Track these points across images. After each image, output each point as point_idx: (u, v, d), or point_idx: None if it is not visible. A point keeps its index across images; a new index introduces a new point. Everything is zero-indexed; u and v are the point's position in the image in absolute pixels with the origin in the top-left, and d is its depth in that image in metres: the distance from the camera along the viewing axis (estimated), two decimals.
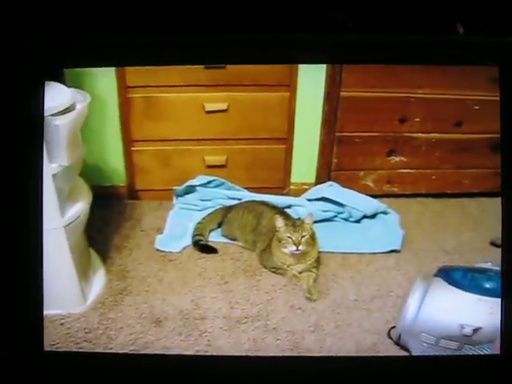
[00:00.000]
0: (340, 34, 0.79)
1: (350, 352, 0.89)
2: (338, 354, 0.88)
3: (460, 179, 1.38)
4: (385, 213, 1.28)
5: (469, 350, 0.78)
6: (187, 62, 0.88)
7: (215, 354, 0.88)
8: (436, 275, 0.88)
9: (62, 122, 0.86)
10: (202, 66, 1.13)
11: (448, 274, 0.86)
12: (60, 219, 0.90)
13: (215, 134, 1.23)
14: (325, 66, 1.19)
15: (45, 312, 0.89)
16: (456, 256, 1.13)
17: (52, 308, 0.92)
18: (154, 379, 0.75)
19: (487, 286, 0.79)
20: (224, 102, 1.19)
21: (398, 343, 0.89)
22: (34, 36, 0.75)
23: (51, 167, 0.86)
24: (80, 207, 0.96)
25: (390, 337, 0.91)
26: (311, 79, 1.20)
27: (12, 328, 0.73)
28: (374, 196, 1.32)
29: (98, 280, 1.03)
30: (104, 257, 1.09)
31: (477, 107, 1.29)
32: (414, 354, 0.85)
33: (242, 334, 0.92)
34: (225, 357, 0.87)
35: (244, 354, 0.88)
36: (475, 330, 0.78)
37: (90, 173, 1.18)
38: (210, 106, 1.19)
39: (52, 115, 0.84)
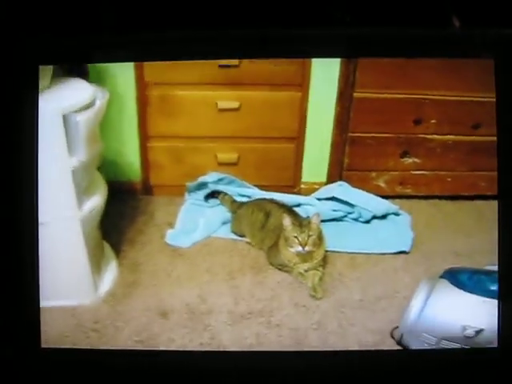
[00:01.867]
0: (337, 28, 0.79)
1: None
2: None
3: (475, 181, 1.36)
4: (396, 214, 1.27)
5: None
6: (189, 56, 0.90)
7: (218, 347, 0.90)
8: (441, 276, 0.88)
9: (82, 118, 0.89)
10: (216, 65, 1.15)
11: (453, 276, 0.86)
12: (77, 211, 0.94)
13: (227, 131, 1.24)
14: (338, 65, 1.19)
15: (57, 302, 0.95)
16: (466, 258, 1.11)
17: (64, 298, 0.96)
18: (152, 375, 0.77)
19: (492, 288, 0.78)
20: (236, 100, 1.20)
21: (400, 343, 0.88)
22: (31, 35, 0.77)
23: (71, 161, 0.90)
24: (96, 201, 0.99)
25: (392, 336, 0.90)
26: (324, 79, 1.20)
27: (9, 326, 0.76)
28: (386, 197, 1.31)
29: (110, 272, 1.06)
30: (117, 250, 1.13)
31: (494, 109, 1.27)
32: None
33: (245, 329, 0.94)
34: (227, 352, 0.88)
35: (247, 350, 0.90)
36: (477, 332, 0.78)
37: (107, 168, 1.22)
38: (222, 104, 1.21)
39: (74, 111, 0.88)
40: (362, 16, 0.82)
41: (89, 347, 0.89)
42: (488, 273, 0.82)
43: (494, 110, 1.31)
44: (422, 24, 0.81)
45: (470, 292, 0.81)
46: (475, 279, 0.83)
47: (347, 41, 0.75)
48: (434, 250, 1.16)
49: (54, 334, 0.88)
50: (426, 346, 0.84)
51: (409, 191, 1.37)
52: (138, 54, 0.81)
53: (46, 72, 0.91)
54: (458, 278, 0.84)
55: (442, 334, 0.81)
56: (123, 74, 1.17)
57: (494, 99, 1.27)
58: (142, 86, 1.19)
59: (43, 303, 0.83)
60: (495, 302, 0.76)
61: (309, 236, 1.05)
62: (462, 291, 0.82)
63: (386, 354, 0.82)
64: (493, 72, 0.76)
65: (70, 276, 0.97)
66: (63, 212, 0.92)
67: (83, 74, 1.01)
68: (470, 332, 0.78)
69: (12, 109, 0.75)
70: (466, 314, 0.80)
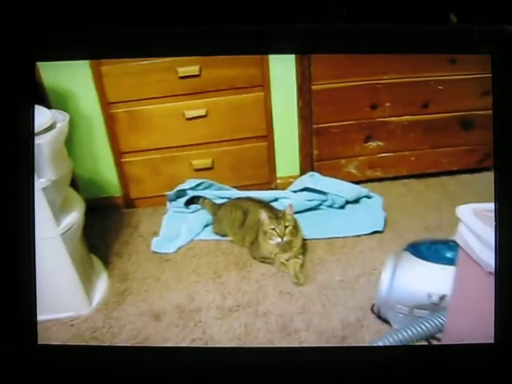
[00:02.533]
0: (333, 23, 0.81)
1: (335, 328, 0.94)
2: (325, 334, 0.93)
3: (438, 158, 1.43)
4: (368, 197, 1.33)
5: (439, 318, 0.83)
6: (180, 53, 0.90)
7: (209, 340, 0.95)
8: (405, 249, 0.94)
9: (44, 140, 0.95)
10: (177, 76, 1.21)
11: (415, 247, 0.92)
12: (56, 228, 0.99)
13: (198, 138, 1.29)
14: (294, 62, 1.26)
15: (55, 316, 1.00)
16: (437, 232, 1.18)
17: (60, 311, 1.01)
18: (149, 371, 0.79)
19: (449, 255, 0.84)
20: (202, 108, 1.25)
21: (379, 317, 0.94)
22: (28, 31, 0.75)
23: (40, 182, 0.95)
24: (74, 216, 1.04)
25: (373, 312, 0.96)
26: (282, 77, 1.26)
27: (5, 322, 0.77)
28: (358, 182, 1.38)
29: (102, 283, 1.11)
30: (106, 262, 1.18)
31: (440, 87, 1.34)
32: (393, 325, 0.90)
33: (233, 321, 0.99)
34: (219, 348, 0.92)
35: (238, 346, 0.94)
36: (441, 298, 0.84)
37: (87, 186, 1.28)
38: (189, 113, 1.26)
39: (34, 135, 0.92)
40: (359, 12, 0.82)
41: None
42: (445, 242, 0.88)
43: (439, 88, 1.41)
44: (420, 20, 0.83)
45: (430, 261, 0.87)
46: (433, 249, 0.89)
47: (343, 36, 0.75)
48: (406, 227, 1.23)
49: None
50: (400, 316, 0.90)
51: (379, 174, 1.44)
52: (136, 50, 0.80)
53: None
54: (419, 249, 0.91)
55: (411, 302, 0.87)
56: (85, 96, 1.22)
57: (438, 77, 1.37)
58: (106, 105, 1.24)
59: (40, 317, 0.86)
60: (452, 268, 0.81)
61: (285, 227, 1.11)
62: (423, 261, 0.88)
63: (380, 349, 0.84)
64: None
65: (62, 290, 1.02)
66: (43, 230, 0.95)
67: (42, 101, 1.06)
68: (435, 298, 0.84)
69: (7, 107, 0.76)
70: (429, 282, 0.86)
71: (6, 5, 0.80)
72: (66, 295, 1.03)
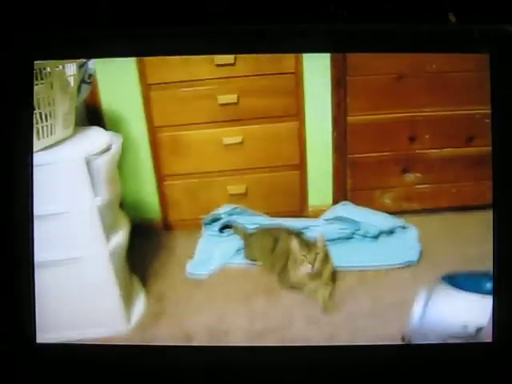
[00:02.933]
0: (333, 23, 0.83)
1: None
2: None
3: (481, 191, 1.37)
4: (403, 228, 1.30)
5: None
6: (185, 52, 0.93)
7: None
8: (440, 280, 0.91)
9: (102, 160, 1.03)
10: (217, 104, 1.28)
11: (451, 278, 0.90)
12: (106, 246, 1.04)
13: (234, 165, 1.34)
14: (330, 94, 1.30)
15: (94, 332, 1.01)
16: (475, 265, 1.11)
17: (101, 328, 1.03)
18: (149, 371, 0.81)
19: (488, 285, 0.80)
20: (239, 135, 1.31)
21: None
22: (27, 30, 0.79)
23: (96, 200, 1.02)
24: (121, 235, 1.10)
25: (403, 341, 0.92)
26: (318, 107, 1.30)
27: (4, 321, 0.79)
28: (393, 213, 1.34)
29: (140, 303, 1.15)
30: (144, 282, 1.21)
31: (487, 121, 1.32)
32: None
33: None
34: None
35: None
36: (478, 329, 0.79)
37: (129, 208, 1.34)
38: (227, 140, 1.31)
39: (94, 155, 1.02)
40: (358, 11, 0.84)
41: None
42: (484, 273, 0.85)
43: (486, 121, 1.38)
44: (419, 19, 0.84)
45: (467, 291, 0.84)
46: (472, 279, 0.86)
47: (342, 36, 0.78)
48: (443, 259, 1.18)
49: None
50: None
51: (415, 206, 1.40)
52: (134, 49, 0.83)
53: (69, 123, 1.06)
54: (456, 279, 0.88)
55: (445, 333, 0.84)
56: (135, 120, 1.30)
57: (484, 111, 1.35)
58: (152, 129, 1.32)
59: (81, 334, 0.91)
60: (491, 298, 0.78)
61: (316, 254, 1.11)
62: (460, 291, 0.85)
63: (379, 348, 0.83)
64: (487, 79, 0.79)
65: (105, 307, 1.06)
66: (93, 247, 1.03)
67: (99, 123, 1.16)
68: (471, 330, 0.80)
69: (6, 107, 0.78)
70: (465, 313, 0.83)
71: (5, 4, 0.82)
72: (107, 313, 1.06)
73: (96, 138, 1.08)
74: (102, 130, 1.11)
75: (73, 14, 0.85)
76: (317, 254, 1.11)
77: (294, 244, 1.13)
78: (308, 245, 1.13)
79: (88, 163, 1.00)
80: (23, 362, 0.80)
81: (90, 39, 0.79)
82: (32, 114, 0.84)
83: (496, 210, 0.77)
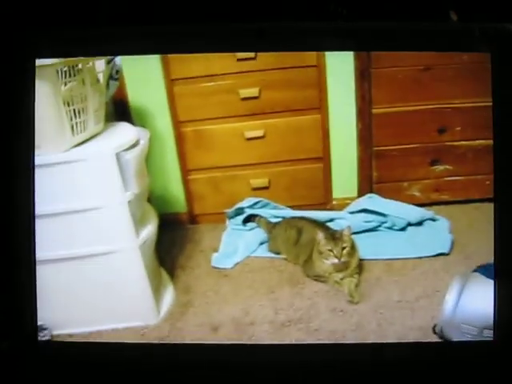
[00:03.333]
0: (333, 21, 0.82)
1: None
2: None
3: None
4: (433, 219, 1.27)
5: None
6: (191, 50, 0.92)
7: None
8: (474, 271, 0.88)
9: (131, 155, 1.03)
10: (239, 98, 1.29)
11: (486, 269, 0.85)
12: (136, 239, 1.05)
13: (257, 158, 1.35)
14: (353, 85, 1.28)
15: (126, 324, 1.03)
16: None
17: (132, 321, 1.05)
18: (147, 369, 0.80)
19: None
20: (261, 129, 1.32)
21: (442, 337, 0.86)
22: (28, 28, 0.79)
23: (126, 195, 1.03)
24: (150, 229, 1.11)
25: (434, 332, 0.89)
26: (341, 100, 1.29)
27: (5, 320, 0.79)
28: (422, 205, 1.32)
29: (168, 295, 1.16)
30: (171, 275, 1.23)
31: None
32: None
33: (285, 336, 0.98)
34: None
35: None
36: None
37: (157, 202, 1.36)
38: (249, 134, 1.32)
39: (124, 150, 1.02)
40: (358, 10, 0.83)
41: None
42: None
43: None
44: (420, 18, 0.83)
45: None
46: None
47: (343, 34, 0.77)
48: (476, 250, 1.13)
49: None
50: (468, 337, 0.81)
51: (446, 197, 1.36)
52: (134, 47, 0.82)
53: (100, 118, 1.09)
54: (491, 270, 0.83)
55: (481, 323, 0.79)
56: (161, 115, 1.33)
57: None
58: (177, 124, 1.34)
59: (114, 326, 0.91)
60: None
61: (343, 248, 1.09)
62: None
63: (380, 347, 0.81)
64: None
65: (135, 299, 1.06)
66: (124, 241, 1.03)
67: (127, 118, 1.19)
68: None
69: (8, 105, 0.78)
70: None
71: (5, 3, 0.82)
72: (137, 305, 1.07)
73: (125, 133, 1.10)
74: (130, 125, 1.13)
75: (73, 11, 0.86)
76: (343, 248, 1.08)
77: (320, 236, 1.11)
78: (334, 237, 1.10)
79: (118, 158, 1.01)
80: (24, 360, 0.80)
81: (90, 37, 0.80)
82: (33, 111, 0.83)
83: (498, 204, 0.74)
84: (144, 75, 1.27)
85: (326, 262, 1.09)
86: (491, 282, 0.83)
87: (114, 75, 1.11)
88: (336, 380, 0.77)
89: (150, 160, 1.29)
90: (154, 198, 1.36)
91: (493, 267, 0.87)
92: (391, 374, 0.73)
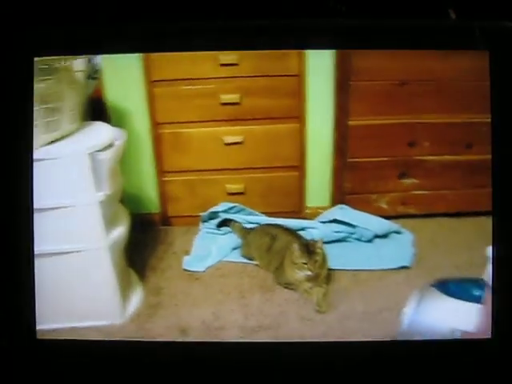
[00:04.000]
0: (331, 18, 0.81)
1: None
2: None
3: (477, 198, 1.39)
4: (398, 232, 1.33)
5: None
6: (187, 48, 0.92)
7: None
8: (431, 285, 0.94)
9: (106, 156, 1.03)
10: (219, 103, 1.29)
11: (442, 284, 0.92)
12: (106, 240, 1.06)
13: (234, 164, 1.36)
14: (332, 97, 1.31)
15: (90, 323, 1.04)
16: (467, 271, 1.14)
17: (97, 319, 1.06)
18: (147, 365, 0.82)
19: (476, 293, 0.83)
20: (240, 134, 1.33)
21: None
22: (26, 27, 0.78)
23: (98, 195, 1.03)
24: (121, 230, 1.12)
25: None
26: (320, 110, 1.32)
27: (4, 317, 0.80)
28: (389, 217, 1.37)
29: (136, 296, 1.17)
30: (141, 276, 1.23)
31: (485, 129, 1.33)
32: None
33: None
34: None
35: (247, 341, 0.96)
36: (464, 335, 0.81)
37: (130, 202, 1.36)
38: (227, 139, 1.33)
39: (98, 151, 1.02)
40: (358, 7, 0.83)
41: None
42: (473, 280, 0.87)
43: (484, 130, 1.40)
44: (419, 16, 0.83)
45: (457, 298, 0.87)
46: (461, 286, 0.88)
47: (342, 32, 0.78)
48: (436, 264, 1.21)
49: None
50: None
51: (411, 211, 1.43)
52: (134, 45, 0.83)
53: (75, 118, 1.07)
54: (446, 285, 0.90)
55: (433, 337, 0.85)
56: (139, 116, 1.32)
57: (483, 119, 1.36)
58: (155, 126, 1.33)
59: (78, 324, 0.92)
60: (478, 306, 0.80)
61: (315, 261, 1.13)
62: (449, 297, 0.88)
63: (378, 344, 0.84)
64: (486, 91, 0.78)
65: (101, 298, 1.08)
66: (94, 241, 1.04)
67: (105, 118, 1.17)
68: (457, 334, 0.82)
69: (6, 103, 0.78)
70: (453, 318, 0.85)
71: (5, 3, 0.82)
72: (103, 304, 1.08)
73: (100, 133, 1.09)
74: (106, 125, 1.12)
75: (72, 10, 0.85)
76: (316, 261, 1.13)
77: (295, 248, 1.14)
78: (308, 250, 1.14)
79: (92, 159, 1.01)
80: (23, 357, 0.81)
81: (90, 36, 0.80)
82: (32, 109, 0.84)
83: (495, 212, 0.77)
84: (124, 75, 1.25)
85: (299, 273, 1.13)
86: (445, 298, 0.90)
87: (93, 74, 1.09)
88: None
89: (125, 159, 1.27)
90: (126, 198, 1.35)
91: (448, 283, 0.94)
92: (388, 370, 0.77)
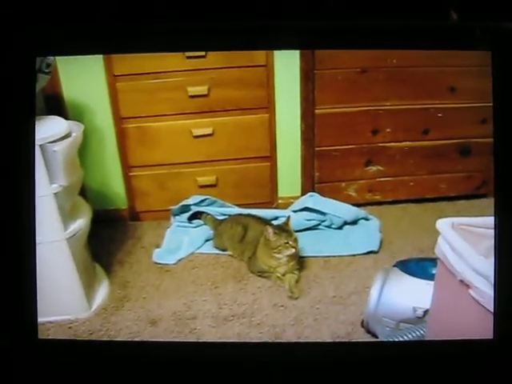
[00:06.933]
0: (333, 19, 0.81)
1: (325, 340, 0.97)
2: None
3: (436, 184, 1.47)
4: (366, 219, 1.37)
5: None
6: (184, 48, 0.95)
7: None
8: (394, 266, 0.98)
9: (59, 147, 1.00)
10: (187, 95, 1.28)
11: (403, 264, 0.96)
12: (63, 232, 1.04)
13: (204, 156, 1.36)
14: (298, 86, 1.32)
15: (54, 318, 1.04)
16: (430, 253, 1.19)
17: (60, 314, 1.05)
18: (143, 365, 0.81)
19: (433, 271, 0.86)
20: (209, 126, 1.33)
21: (368, 331, 0.97)
22: (28, 26, 0.77)
23: (52, 187, 1.01)
24: (81, 222, 1.09)
25: (362, 326, 0.99)
26: (287, 100, 1.33)
27: (6, 317, 0.79)
28: (358, 204, 1.42)
29: (102, 290, 1.16)
30: (108, 270, 1.22)
31: (440, 115, 1.39)
32: (380, 338, 0.92)
33: (228, 330, 1.02)
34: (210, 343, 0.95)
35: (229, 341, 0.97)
36: (425, 312, 0.86)
37: (95, 197, 1.35)
38: (196, 132, 1.33)
39: (50, 142, 0.99)
40: (358, 7, 0.83)
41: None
42: (432, 259, 0.90)
43: (439, 115, 1.45)
44: (421, 16, 0.83)
45: (417, 276, 0.91)
46: (420, 265, 0.92)
47: (345, 31, 0.77)
48: (401, 248, 1.26)
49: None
50: (387, 330, 0.92)
51: (378, 198, 1.48)
52: (134, 45, 0.82)
53: None
54: (407, 265, 0.94)
55: (398, 316, 0.90)
56: (101, 110, 1.30)
57: (438, 105, 1.41)
58: (119, 120, 1.31)
59: (41, 319, 0.87)
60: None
61: (295, 239, 1.15)
62: (410, 276, 0.92)
63: (379, 345, 0.87)
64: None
65: (63, 292, 1.06)
66: (51, 233, 1.02)
67: (60, 112, 1.14)
68: (419, 313, 0.87)
69: (8, 102, 0.77)
70: (414, 297, 0.89)
71: (5, 3, 0.81)
72: (66, 298, 1.07)
73: (53, 126, 1.06)
74: (60, 118, 1.09)
75: (72, 10, 0.83)
76: (295, 238, 1.15)
77: (270, 232, 1.15)
78: (284, 230, 1.15)
79: (44, 150, 0.98)
80: (24, 357, 0.80)
81: (91, 35, 0.79)
82: (34, 108, 0.82)
83: (497, 200, 0.78)
84: (83, 70, 1.22)
85: (280, 256, 1.14)
86: (406, 276, 0.94)
87: (44, 69, 1.05)
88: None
89: (87, 155, 1.28)
90: (91, 193, 1.34)
91: (409, 262, 0.97)
92: (390, 369, 0.77)
